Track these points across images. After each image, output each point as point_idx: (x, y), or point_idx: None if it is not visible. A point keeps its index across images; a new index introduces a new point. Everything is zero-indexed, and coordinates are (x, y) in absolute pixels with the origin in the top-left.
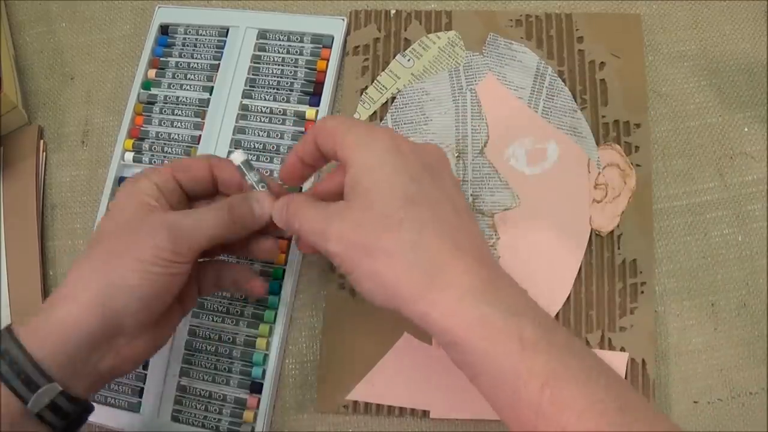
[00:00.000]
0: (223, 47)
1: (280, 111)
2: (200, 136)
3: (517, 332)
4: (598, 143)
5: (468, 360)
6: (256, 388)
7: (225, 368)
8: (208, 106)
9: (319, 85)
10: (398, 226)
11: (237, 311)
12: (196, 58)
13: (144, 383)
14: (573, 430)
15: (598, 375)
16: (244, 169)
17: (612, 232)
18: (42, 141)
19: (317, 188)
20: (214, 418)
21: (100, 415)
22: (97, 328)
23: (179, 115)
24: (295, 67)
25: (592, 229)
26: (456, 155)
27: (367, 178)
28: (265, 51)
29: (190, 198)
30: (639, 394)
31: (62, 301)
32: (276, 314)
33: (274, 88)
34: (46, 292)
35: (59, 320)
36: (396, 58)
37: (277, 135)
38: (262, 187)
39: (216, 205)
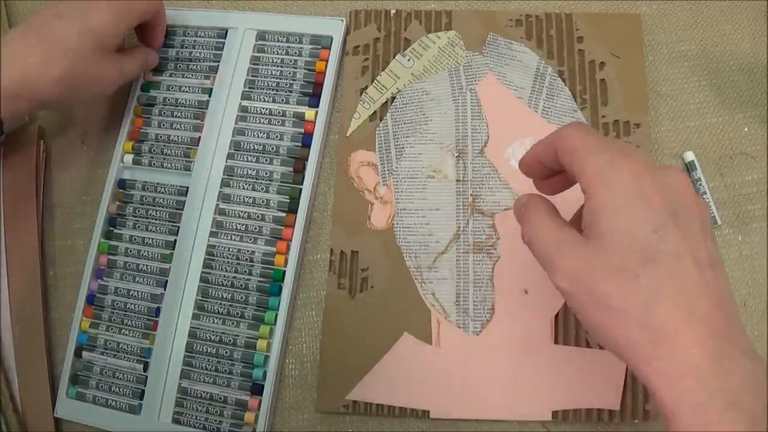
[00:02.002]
0: (222, 49)
1: (279, 112)
2: (200, 137)
3: (728, 430)
4: None
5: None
6: (257, 389)
7: (226, 370)
8: (207, 108)
9: (318, 86)
10: (634, 282)
11: (237, 313)
12: (195, 60)
13: (144, 385)
14: None
15: None
16: None
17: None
18: (42, 141)
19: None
20: (215, 420)
21: (100, 417)
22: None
23: (178, 116)
24: (294, 68)
25: None
26: (456, 155)
27: (606, 221)
28: (264, 52)
29: None
30: None
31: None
32: (276, 315)
33: (273, 90)
34: (46, 292)
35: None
36: (396, 57)
37: (276, 136)
38: None
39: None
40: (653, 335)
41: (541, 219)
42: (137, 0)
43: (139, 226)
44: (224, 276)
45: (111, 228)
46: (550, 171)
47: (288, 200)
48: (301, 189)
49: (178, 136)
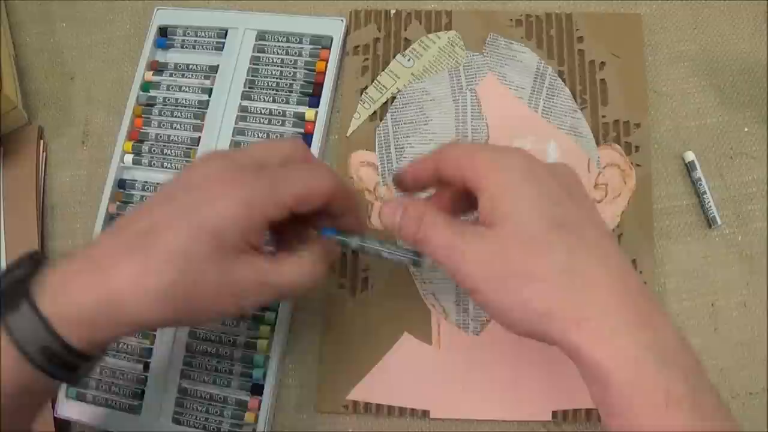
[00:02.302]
0: (222, 49)
1: (279, 112)
2: (200, 137)
3: (665, 385)
4: (598, 143)
5: (608, 400)
6: (257, 389)
7: (226, 370)
8: (207, 108)
9: (318, 86)
10: (548, 249)
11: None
12: (195, 60)
13: (144, 385)
14: None
15: None
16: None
17: (612, 232)
18: (42, 141)
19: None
20: (215, 420)
21: (99, 417)
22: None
23: (178, 116)
24: (294, 68)
25: None
26: None
27: (507, 202)
28: (264, 52)
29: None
30: None
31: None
32: (276, 316)
33: (273, 90)
34: None
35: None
36: (396, 57)
37: (276, 136)
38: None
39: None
40: (577, 297)
41: (439, 223)
42: (285, 180)
43: None
44: None
45: None
46: (423, 188)
47: None
48: None
49: (178, 136)
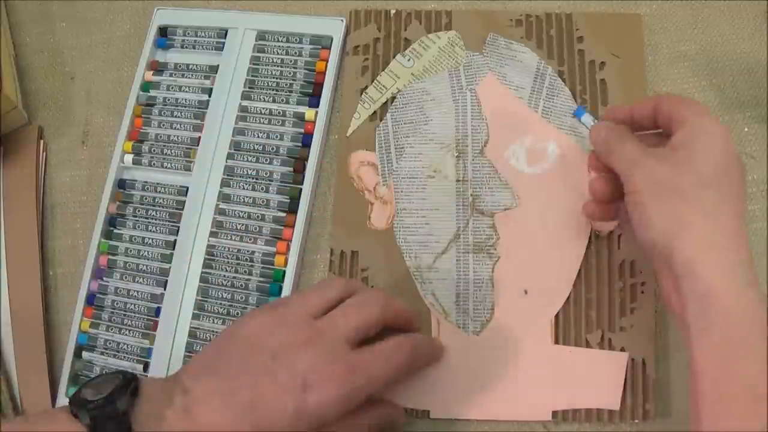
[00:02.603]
0: (222, 49)
1: (279, 112)
2: (200, 137)
3: (761, 314)
4: None
5: (707, 318)
6: None
7: None
8: (207, 108)
9: (318, 86)
10: (710, 186)
11: (237, 313)
12: (194, 60)
13: (148, 377)
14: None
15: None
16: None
17: (612, 232)
18: (42, 141)
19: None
20: None
21: None
22: None
23: (178, 117)
24: (294, 68)
25: (592, 229)
26: (456, 155)
27: (702, 140)
28: (264, 52)
29: None
30: None
31: None
32: None
33: (273, 90)
34: (46, 292)
35: None
36: (396, 57)
37: (276, 136)
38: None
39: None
40: (717, 228)
41: (625, 134)
42: (380, 369)
43: (139, 226)
44: (224, 276)
45: (111, 228)
46: (636, 124)
47: (288, 200)
48: (301, 189)
49: (178, 136)
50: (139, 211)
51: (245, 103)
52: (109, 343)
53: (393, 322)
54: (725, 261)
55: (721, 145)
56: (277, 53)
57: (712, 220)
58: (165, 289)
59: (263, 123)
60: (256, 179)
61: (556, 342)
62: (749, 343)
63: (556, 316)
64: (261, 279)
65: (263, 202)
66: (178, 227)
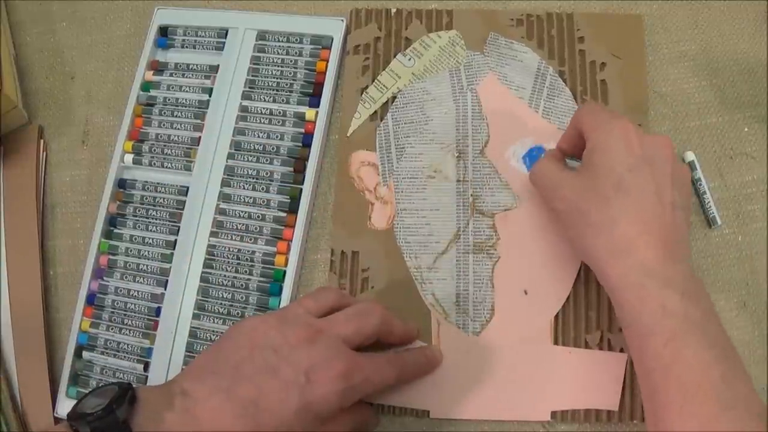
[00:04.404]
0: (222, 48)
1: (279, 112)
2: (200, 137)
3: (661, 301)
4: None
5: (620, 313)
6: None
7: None
8: (207, 108)
9: (318, 86)
10: (606, 203)
11: (238, 313)
12: (195, 60)
13: (145, 385)
14: (680, 378)
15: (713, 346)
16: None
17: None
18: (42, 141)
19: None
20: None
21: None
22: None
23: (179, 116)
24: (295, 68)
25: None
26: (456, 155)
27: (598, 157)
28: (265, 52)
29: None
30: (746, 375)
31: None
32: None
33: (273, 90)
34: (46, 292)
35: None
36: (397, 57)
37: (277, 136)
38: None
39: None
40: (614, 243)
41: (550, 163)
42: (374, 374)
43: (139, 226)
44: (225, 276)
45: (111, 228)
46: (575, 147)
47: (288, 200)
48: (301, 189)
49: (178, 136)
50: (139, 210)
51: (246, 103)
52: (110, 343)
53: (388, 337)
54: (622, 265)
55: (617, 158)
56: (278, 53)
57: (607, 235)
58: (165, 289)
59: (264, 123)
60: (257, 179)
61: (556, 342)
62: (650, 328)
63: (556, 316)
64: (261, 279)
65: (264, 202)
66: (179, 227)
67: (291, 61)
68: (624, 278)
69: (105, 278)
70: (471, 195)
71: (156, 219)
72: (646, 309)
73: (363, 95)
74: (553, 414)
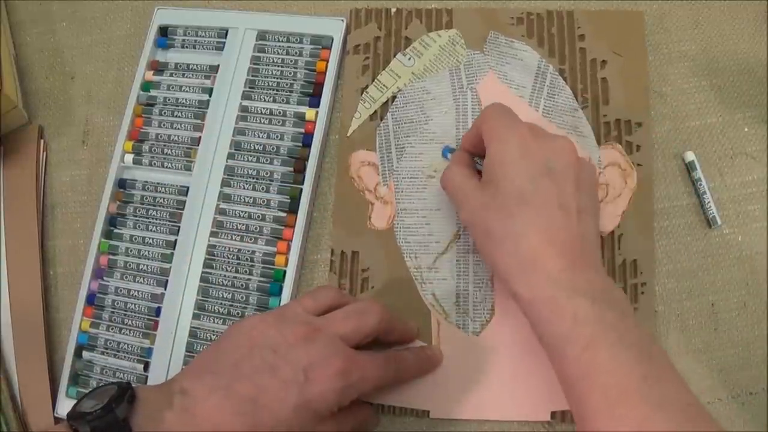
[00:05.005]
0: (222, 48)
1: (279, 112)
2: (200, 137)
3: (572, 310)
4: (599, 142)
5: (537, 327)
6: None
7: None
8: (207, 108)
9: (318, 86)
10: (510, 219)
11: (238, 313)
12: (195, 60)
13: (145, 385)
14: (602, 383)
15: (630, 348)
16: None
17: (612, 232)
18: (42, 141)
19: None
20: None
21: None
22: None
23: (179, 116)
24: (295, 68)
25: None
26: None
27: (498, 170)
28: (265, 52)
29: None
30: (672, 372)
31: None
32: None
33: (273, 90)
34: (46, 292)
35: None
36: (396, 56)
37: (277, 136)
38: None
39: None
40: (521, 258)
41: (457, 170)
42: (372, 372)
43: (139, 226)
44: (225, 276)
45: (111, 228)
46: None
47: (288, 200)
48: (301, 189)
49: (178, 136)
50: (139, 210)
51: (246, 102)
52: (110, 343)
53: (388, 336)
54: (531, 279)
55: (516, 170)
56: (278, 53)
57: (513, 251)
58: (165, 289)
59: (264, 123)
60: (257, 179)
61: None
62: (566, 338)
63: None
64: (261, 279)
65: (264, 202)
66: (179, 227)
67: (291, 61)
68: (534, 292)
69: (105, 278)
70: None
71: (156, 219)
72: (559, 320)
73: (363, 95)
74: (553, 414)
